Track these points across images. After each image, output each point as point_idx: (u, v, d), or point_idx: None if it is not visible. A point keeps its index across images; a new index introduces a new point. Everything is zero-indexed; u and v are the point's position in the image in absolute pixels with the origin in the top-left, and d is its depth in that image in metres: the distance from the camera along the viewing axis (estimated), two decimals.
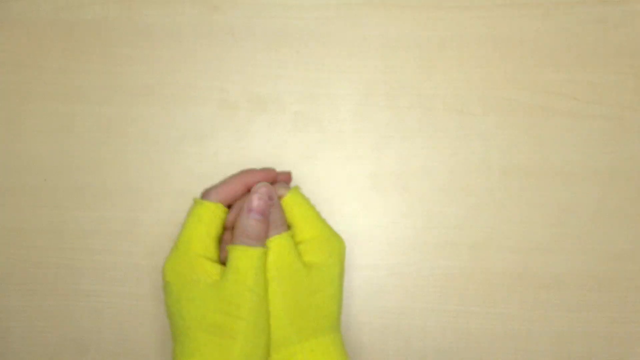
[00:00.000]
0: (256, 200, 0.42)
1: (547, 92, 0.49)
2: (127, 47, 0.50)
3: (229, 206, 0.44)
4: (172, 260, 0.42)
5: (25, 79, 0.50)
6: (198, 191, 0.49)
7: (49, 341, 0.48)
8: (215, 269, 0.41)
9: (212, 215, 0.42)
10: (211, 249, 0.42)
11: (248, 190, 0.44)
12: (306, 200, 0.45)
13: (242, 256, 0.40)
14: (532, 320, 0.48)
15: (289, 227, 0.44)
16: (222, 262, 0.43)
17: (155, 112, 0.50)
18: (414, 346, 0.48)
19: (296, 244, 0.43)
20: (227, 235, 0.44)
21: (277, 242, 0.42)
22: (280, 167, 0.49)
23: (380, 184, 0.49)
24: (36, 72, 0.50)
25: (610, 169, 0.49)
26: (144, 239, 0.49)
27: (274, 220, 0.42)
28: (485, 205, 0.49)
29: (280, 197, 0.44)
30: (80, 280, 0.48)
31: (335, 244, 0.44)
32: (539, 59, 0.50)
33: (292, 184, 0.49)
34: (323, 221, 0.45)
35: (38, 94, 0.50)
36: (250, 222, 0.41)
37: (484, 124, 0.49)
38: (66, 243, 0.49)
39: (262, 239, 0.42)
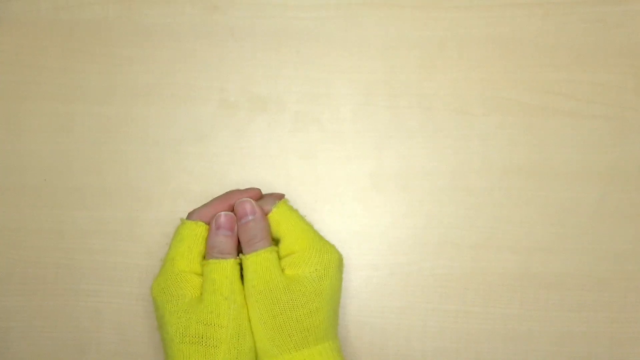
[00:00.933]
0: (223, 217, 0.43)
1: (547, 92, 0.49)
2: (127, 47, 0.50)
3: None
4: (158, 278, 0.44)
5: (25, 79, 0.50)
6: (198, 191, 0.49)
7: (49, 341, 0.48)
8: (199, 282, 0.43)
9: (192, 233, 0.44)
10: (195, 264, 0.44)
11: (233, 210, 0.45)
12: (294, 212, 0.45)
13: (216, 268, 0.42)
14: (532, 320, 0.48)
15: (276, 241, 0.44)
16: None
17: (155, 112, 0.50)
18: (414, 346, 0.48)
19: (283, 257, 0.44)
20: None
21: (253, 260, 0.43)
22: (280, 167, 0.49)
23: (380, 184, 0.49)
24: (36, 72, 0.50)
25: (610, 169, 0.49)
26: (144, 239, 0.49)
27: (253, 236, 0.43)
28: (485, 205, 0.49)
29: (266, 213, 0.44)
30: (80, 280, 0.48)
31: (326, 255, 0.43)
32: (539, 59, 0.50)
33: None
34: (314, 233, 0.45)
35: (38, 94, 0.50)
36: (219, 239, 0.43)
37: (484, 124, 0.49)
38: (66, 243, 0.49)
39: (233, 252, 0.43)
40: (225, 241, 0.43)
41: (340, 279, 0.45)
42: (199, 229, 0.44)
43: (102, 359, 0.48)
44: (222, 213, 0.43)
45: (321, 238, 0.45)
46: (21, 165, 0.49)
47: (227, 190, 0.48)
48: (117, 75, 0.50)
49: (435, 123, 0.49)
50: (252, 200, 0.44)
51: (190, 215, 0.44)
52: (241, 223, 0.43)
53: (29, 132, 0.50)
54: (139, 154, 0.49)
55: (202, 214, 0.44)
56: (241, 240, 0.44)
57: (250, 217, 0.43)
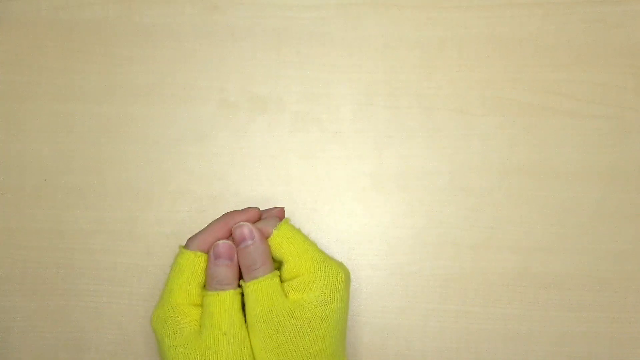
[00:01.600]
0: (221, 246, 0.42)
1: (547, 92, 0.49)
2: (127, 47, 0.50)
3: None
4: (157, 310, 0.42)
5: (25, 79, 0.50)
6: (198, 191, 0.49)
7: (49, 341, 0.48)
8: (199, 314, 0.42)
9: (192, 264, 0.42)
10: (194, 296, 0.42)
11: (231, 234, 0.43)
12: (296, 233, 0.43)
13: (214, 301, 0.41)
14: (532, 320, 0.48)
15: (278, 263, 0.43)
16: None
17: (155, 112, 0.50)
18: (414, 346, 0.48)
19: (287, 280, 0.42)
20: None
21: (254, 288, 0.41)
22: (280, 167, 0.49)
23: (380, 184, 0.49)
24: (36, 72, 0.50)
25: (610, 169, 0.49)
26: (143, 239, 0.49)
27: (253, 261, 0.42)
28: (485, 205, 0.49)
29: (267, 236, 0.42)
30: (80, 280, 0.48)
31: (332, 278, 0.42)
32: (539, 59, 0.50)
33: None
34: (318, 254, 0.43)
35: (38, 94, 0.50)
36: (218, 269, 0.42)
37: (484, 124, 0.49)
38: (66, 243, 0.49)
39: (233, 281, 0.42)
40: (224, 271, 0.41)
41: (347, 298, 0.43)
42: (197, 260, 0.42)
43: (102, 359, 0.48)
44: (220, 242, 0.42)
45: (326, 258, 0.43)
46: (21, 165, 0.49)
47: (226, 189, 0.49)
48: (117, 75, 0.50)
49: (435, 123, 0.49)
50: (249, 224, 0.42)
51: (189, 244, 0.43)
52: (240, 248, 0.42)
53: (29, 132, 0.50)
54: (139, 154, 0.49)
55: (201, 241, 0.43)
56: (241, 265, 0.42)
57: (249, 242, 0.42)
